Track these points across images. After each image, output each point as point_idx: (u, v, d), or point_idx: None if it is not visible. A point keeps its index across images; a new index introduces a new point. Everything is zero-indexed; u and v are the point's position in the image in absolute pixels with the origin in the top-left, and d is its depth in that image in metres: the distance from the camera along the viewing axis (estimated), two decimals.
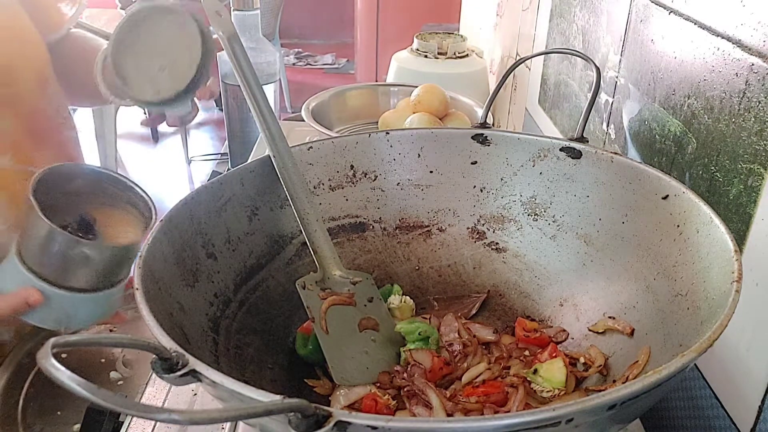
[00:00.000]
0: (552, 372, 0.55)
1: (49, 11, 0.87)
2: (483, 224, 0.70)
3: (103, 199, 0.75)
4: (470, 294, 0.70)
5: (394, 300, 0.66)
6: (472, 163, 0.70)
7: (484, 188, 0.70)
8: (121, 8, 3.48)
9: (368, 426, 0.33)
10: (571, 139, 0.66)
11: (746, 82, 0.55)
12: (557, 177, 0.66)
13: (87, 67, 0.83)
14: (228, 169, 0.64)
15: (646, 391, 0.36)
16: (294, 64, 4.70)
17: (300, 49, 4.84)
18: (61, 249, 0.68)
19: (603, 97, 0.88)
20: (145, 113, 3.60)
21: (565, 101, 1.04)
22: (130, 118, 3.71)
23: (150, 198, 0.74)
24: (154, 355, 0.36)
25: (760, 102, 0.53)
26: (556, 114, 1.10)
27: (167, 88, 0.69)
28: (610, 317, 0.59)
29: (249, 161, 0.65)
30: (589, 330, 0.60)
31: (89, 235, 0.72)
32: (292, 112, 3.03)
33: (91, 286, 0.71)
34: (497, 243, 0.70)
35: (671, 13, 0.69)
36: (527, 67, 1.28)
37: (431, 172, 0.71)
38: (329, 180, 0.69)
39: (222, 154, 3.31)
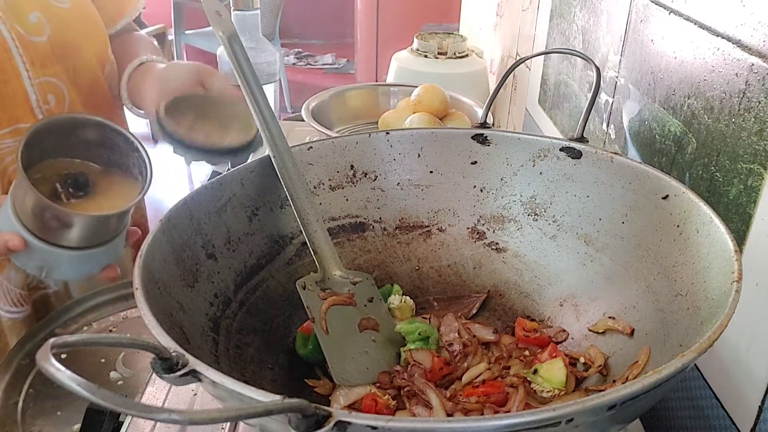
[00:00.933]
0: (552, 372, 0.55)
1: (108, 7, 0.94)
2: (483, 224, 0.70)
3: (114, 153, 0.75)
4: (470, 294, 0.70)
5: (394, 300, 0.66)
6: (472, 163, 0.70)
7: (484, 188, 0.70)
8: None
9: (368, 426, 0.33)
10: (571, 139, 0.66)
11: (746, 82, 0.55)
12: (557, 177, 0.66)
13: (120, 67, 0.94)
14: (228, 169, 0.64)
15: (646, 391, 0.36)
16: (294, 64, 4.70)
17: (300, 49, 4.84)
18: (40, 210, 0.68)
19: (603, 97, 0.88)
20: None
21: (565, 101, 1.04)
22: (130, 117, 3.70)
23: (151, 165, 0.74)
24: (154, 355, 0.36)
25: (760, 102, 0.53)
26: (556, 114, 1.10)
27: (204, 139, 0.76)
28: (610, 317, 0.59)
29: (249, 161, 0.65)
30: (589, 330, 0.60)
31: (80, 192, 0.73)
32: (292, 112, 3.03)
33: (72, 245, 0.71)
34: (497, 243, 0.70)
35: (671, 13, 0.69)
36: (527, 67, 1.28)
37: (431, 172, 0.71)
38: (329, 180, 0.69)
39: None
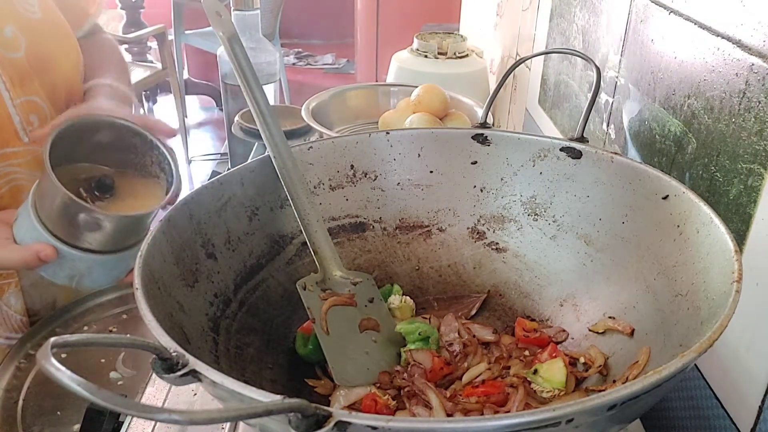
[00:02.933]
0: (552, 372, 0.55)
1: (73, 9, 0.90)
2: (483, 224, 0.70)
3: (129, 154, 0.74)
4: (470, 294, 0.70)
5: (394, 300, 0.66)
6: (472, 163, 0.70)
7: (484, 188, 0.70)
8: (121, 8, 3.48)
9: (368, 426, 0.33)
10: (571, 139, 0.66)
11: (746, 82, 0.55)
12: (557, 177, 0.66)
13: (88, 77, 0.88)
14: (228, 169, 0.64)
15: (646, 391, 0.36)
16: (294, 64, 4.70)
17: (300, 49, 4.84)
18: (72, 213, 0.66)
19: (603, 97, 0.88)
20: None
21: (565, 101, 1.04)
22: None
23: (175, 161, 0.72)
24: (154, 355, 0.36)
25: (760, 102, 0.53)
26: (556, 114, 1.10)
27: None
28: (610, 317, 0.59)
29: (249, 161, 0.65)
30: (589, 330, 0.60)
31: (106, 194, 0.72)
32: None
33: (103, 249, 0.70)
34: (497, 243, 0.70)
35: (671, 13, 0.69)
36: (527, 67, 1.28)
37: (431, 172, 0.71)
38: (329, 180, 0.69)
39: (222, 154, 3.31)
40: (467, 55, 1.42)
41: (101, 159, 0.74)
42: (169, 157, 0.72)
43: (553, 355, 0.56)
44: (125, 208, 0.71)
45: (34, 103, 0.78)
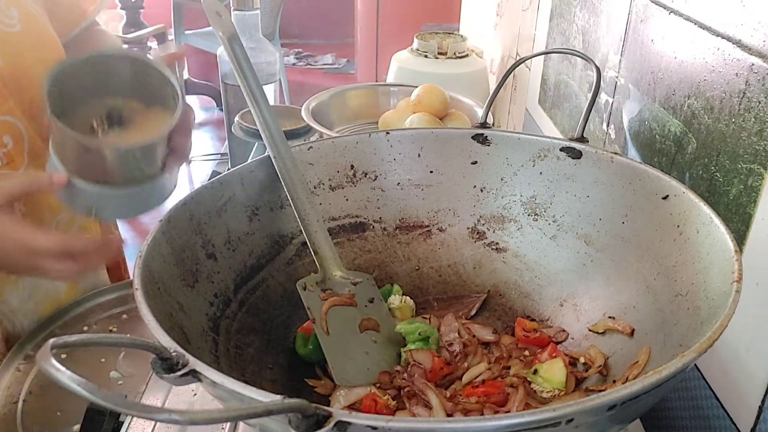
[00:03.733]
0: (552, 372, 0.55)
1: (69, 8, 0.88)
2: (483, 224, 0.70)
3: (146, 88, 0.72)
4: (470, 294, 0.70)
5: (394, 300, 0.66)
6: (472, 163, 0.70)
7: (484, 188, 0.70)
8: (121, 8, 3.49)
9: (368, 426, 0.33)
10: (571, 139, 0.66)
11: (746, 82, 0.55)
12: (557, 177, 0.66)
13: None
14: (228, 169, 0.64)
15: (646, 391, 0.36)
16: (294, 64, 4.70)
17: (300, 49, 4.84)
18: (76, 147, 0.67)
19: (603, 97, 0.88)
20: None
21: (565, 101, 1.04)
22: None
23: (183, 95, 0.72)
24: (154, 355, 0.36)
25: (760, 102, 0.53)
26: (556, 114, 1.10)
27: None
28: (610, 317, 0.59)
29: (249, 161, 0.65)
30: (589, 330, 0.60)
31: (115, 126, 0.72)
32: None
33: (114, 180, 0.69)
34: (497, 243, 0.70)
35: (671, 13, 0.69)
36: (527, 67, 1.28)
37: (431, 172, 0.71)
38: (329, 180, 0.69)
39: (222, 154, 3.31)
40: (467, 55, 1.42)
41: (129, 90, 0.73)
42: (178, 91, 0.72)
43: (553, 355, 0.56)
44: (132, 140, 0.71)
45: (8, 123, 0.75)
